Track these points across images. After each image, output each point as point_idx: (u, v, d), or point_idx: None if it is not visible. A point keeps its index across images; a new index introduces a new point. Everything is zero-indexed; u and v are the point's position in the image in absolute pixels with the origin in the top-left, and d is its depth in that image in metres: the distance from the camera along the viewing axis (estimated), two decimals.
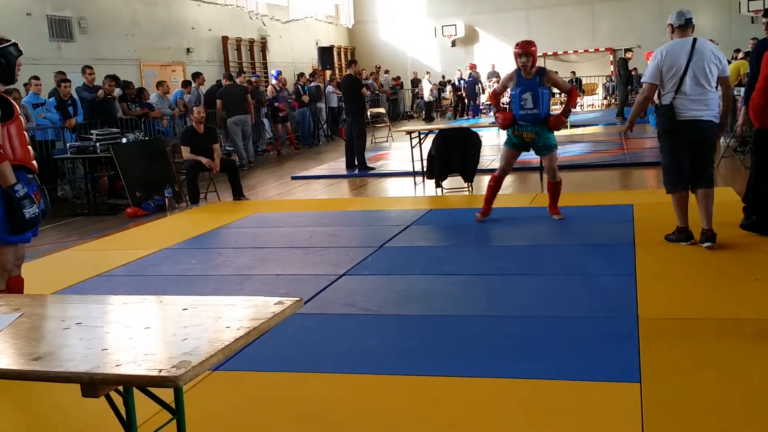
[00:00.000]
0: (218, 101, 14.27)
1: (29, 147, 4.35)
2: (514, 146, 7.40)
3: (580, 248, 6.18)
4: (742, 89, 11.94)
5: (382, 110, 21.48)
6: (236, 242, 7.49)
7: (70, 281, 6.11)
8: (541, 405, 3.35)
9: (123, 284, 6.02)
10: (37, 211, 4.17)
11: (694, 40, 5.72)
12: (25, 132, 4.34)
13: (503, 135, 18.73)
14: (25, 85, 11.13)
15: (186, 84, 15.08)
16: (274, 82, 18.27)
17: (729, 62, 14.59)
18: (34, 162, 4.37)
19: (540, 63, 29.89)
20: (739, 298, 4.65)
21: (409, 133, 11.12)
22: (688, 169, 5.79)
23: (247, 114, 14.47)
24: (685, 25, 5.79)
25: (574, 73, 25.68)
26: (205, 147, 10.00)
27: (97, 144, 10.01)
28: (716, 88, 5.78)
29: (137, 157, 10.36)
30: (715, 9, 24.97)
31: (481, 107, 25.58)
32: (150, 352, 2.17)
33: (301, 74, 19.73)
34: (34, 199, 4.17)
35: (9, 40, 4.25)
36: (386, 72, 26.84)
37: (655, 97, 5.95)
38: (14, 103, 4.26)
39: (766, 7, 12.10)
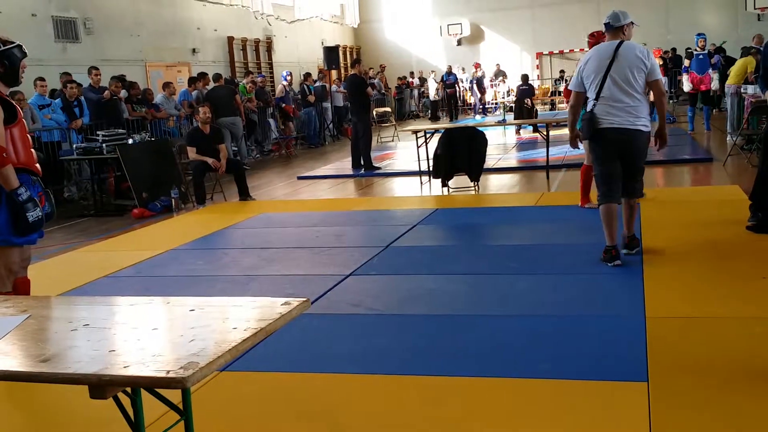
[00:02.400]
0: (206, 103, 14.14)
1: (32, 150, 4.35)
2: None
3: (587, 247, 6.15)
4: (749, 87, 11.94)
5: (387, 109, 21.48)
6: (243, 243, 7.49)
7: (76, 282, 6.12)
8: (548, 404, 3.34)
9: (130, 285, 6.03)
10: (41, 214, 4.17)
11: (620, 43, 5.41)
12: (28, 135, 4.34)
13: (509, 134, 18.67)
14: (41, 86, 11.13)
15: (192, 81, 15.02)
16: (284, 82, 18.28)
17: (734, 60, 14.62)
18: (38, 165, 4.38)
19: (545, 61, 29.70)
20: (746, 297, 4.63)
21: (415, 132, 11.11)
22: (622, 179, 5.52)
23: (236, 116, 14.20)
24: (606, 30, 5.56)
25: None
26: (211, 147, 10.01)
27: (104, 145, 10.02)
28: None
29: (143, 158, 10.37)
30: (721, 6, 24.89)
31: (486, 106, 25.56)
32: (157, 353, 2.17)
33: (308, 74, 19.74)
34: (38, 202, 4.17)
35: (13, 42, 4.25)
36: (432, 72, 26.45)
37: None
38: (17, 105, 4.26)
39: None
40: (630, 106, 5.34)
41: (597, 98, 5.39)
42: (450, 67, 25.07)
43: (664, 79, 18.17)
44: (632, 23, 5.57)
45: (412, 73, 27.01)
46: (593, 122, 5.38)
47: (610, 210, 5.50)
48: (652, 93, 5.62)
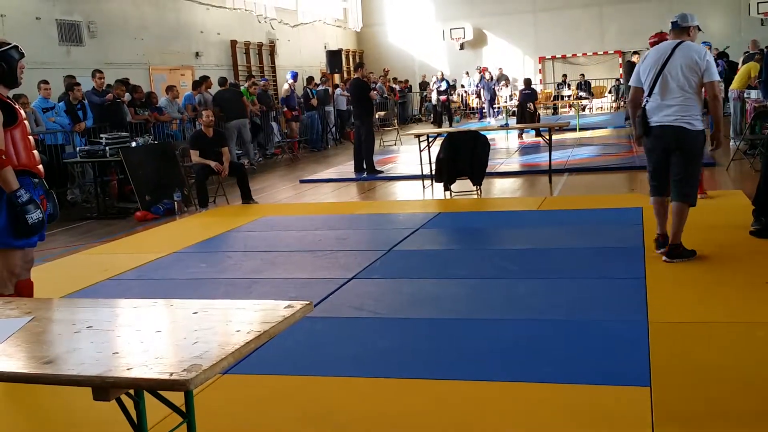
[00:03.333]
0: (209, 107, 14.22)
1: (35, 152, 4.35)
2: None
3: (590, 251, 6.16)
4: (753, 92, 11.93)
5: (389, 112, 21.49)
6: (245, 246, 7.50)
7: (80, 285, 6.13)
8: (550, 409, 3.34)
9: (133, 288, 6.04)
10: (41, 216, 4.16)
11: (679, 43, 5.51)
12: (30, 137, 4.35)
13: (512, 138, 18.70)
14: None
15: (197, 84, 15.03)
16: (290, 81, 18.25)
17: (736, 65, 14.57)
18: (40, 166, 4.38)
19: (548, 65, 29.43)
20: (749, 302, 4.62)
21: (418, 136, 11.12)
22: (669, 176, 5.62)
23: (244, 118, 14.42)
24: (672, 28, 5.66)
25: (583, 75, 25.66)
26: (214, 150, 10.03)
27: (107, 148, 10.04)
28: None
29: (146, 161, 10.39)
30: (724, 11, 24.89)
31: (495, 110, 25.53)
32: (161, 356, 2.18)
33: (311, 78, 19.74)
34: (38, 204, 4.17)
35: (9, 43, 4.25)
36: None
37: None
38: (18, 107, 4.26)
39: None
40: (677, 104, 5.43)
41: (649, 95, 5.53)
42: (442, 74, 24.62)
43: None
44: (698, 27, 5.65)
45: (395, 79, 26.74)
46: (644, 119, 5.57)
47: (657, 203, 5.73)
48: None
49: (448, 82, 24.28)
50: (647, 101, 5.56)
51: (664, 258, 5.62)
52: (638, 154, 12.65)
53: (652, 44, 7.30)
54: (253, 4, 20.05)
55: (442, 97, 23.62)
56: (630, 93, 5.91)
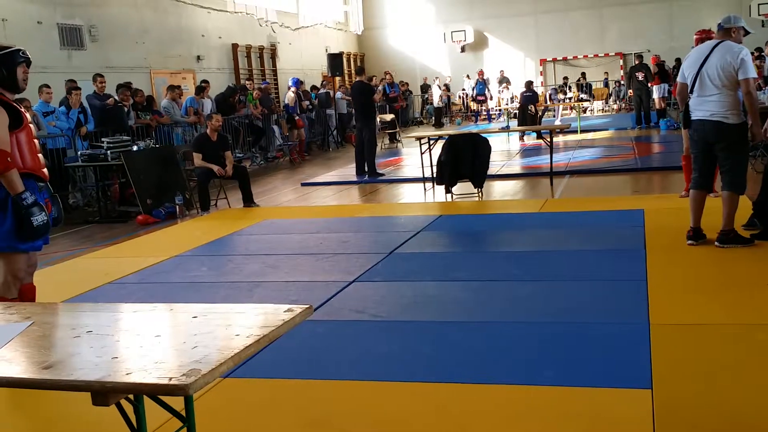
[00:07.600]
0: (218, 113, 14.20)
1: (40, 155, 4.36)
2: None
3: (591, 254, 6.15)
4: None
5: (391, 116, 21.45)
6: (246, 249, 7.50)
7: (80, 289, 6.13)
8: (552, 411, 3.33)
9: (134, 292, 6.03)
10: (46, 219, 4.16)
11: (718, 43, 5.86)
12: (35, 140, 4.35)
13: (513, 140, 18.60)
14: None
15: (199, 90, 15.04)
16: (293, 89, 18.17)
17: None
18: (45, 170, 4.39)
19: (549, 67, 29.35)
20: (751, 304, 4.62)
21: (419, 139, 11.12)
22: (710, 170, 6.07)
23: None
24: (717, 30, 6.10)
25: (584, 76, 25.63)
26: (217, 154, 10.04)
27: (108, 152, 10.05)
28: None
29: (148, 165, 10.40)
30: (725, 11, 24.74)
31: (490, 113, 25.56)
32: (160, 360, 2.17)
33: (314, 86, 19.68)
34: (43, 207, 4.17)
35: (11, 47, 4.25)
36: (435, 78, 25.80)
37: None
38: (23, 111, 4.27)
39: None
40: (714, 100, 5.77)
41: (691, 92, 5.94)
42: (390, 76, 24.00)
43: (664, 87, 18.11)
44: (743, 28, 5.96)
45: (401, 82, 26.58)
46: (686, 114, 6.04)
47: (694, 195, 6.08)
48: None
49: (398, 86, 23.73)
50: (690, 97, 5.95)
51: (716, 243, 5.90)
52: (639, 156, 12.67)
53: (697, 40, 7.60)
54: (254, 7, 20.09)
55: (396, 105, 22.49)
56: (678, 88, 6.27)
